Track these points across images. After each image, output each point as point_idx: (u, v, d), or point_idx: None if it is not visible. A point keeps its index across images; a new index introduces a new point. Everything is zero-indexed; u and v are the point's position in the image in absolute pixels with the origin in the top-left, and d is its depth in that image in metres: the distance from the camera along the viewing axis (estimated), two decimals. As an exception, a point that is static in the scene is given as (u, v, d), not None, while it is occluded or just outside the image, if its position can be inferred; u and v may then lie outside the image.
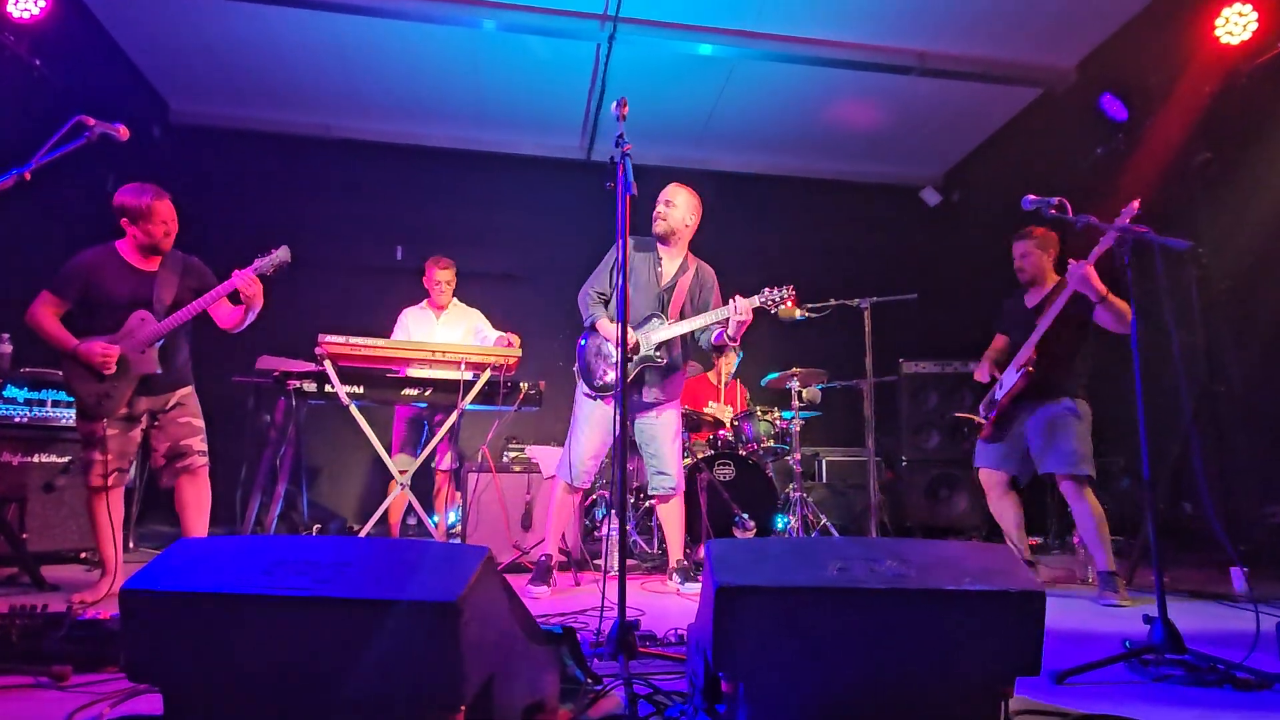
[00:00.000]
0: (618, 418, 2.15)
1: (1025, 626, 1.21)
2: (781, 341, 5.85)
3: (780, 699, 1.23)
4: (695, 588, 3.07)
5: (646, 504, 4.12)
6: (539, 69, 5.36)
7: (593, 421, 3.16)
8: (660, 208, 3.21)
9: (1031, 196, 2.45)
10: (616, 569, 1.92)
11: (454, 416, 3.55)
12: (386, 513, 3.88)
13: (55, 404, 3.53)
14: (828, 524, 4.41)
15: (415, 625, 1.07)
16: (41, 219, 4.25)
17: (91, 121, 2.24)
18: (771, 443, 4.42)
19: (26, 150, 2.17)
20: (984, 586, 1.21)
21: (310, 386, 3.50)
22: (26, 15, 4.05)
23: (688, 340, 3.25)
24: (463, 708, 1.07)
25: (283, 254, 2.99)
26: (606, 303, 3.22)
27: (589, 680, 1.62)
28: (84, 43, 4.76)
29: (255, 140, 6.07)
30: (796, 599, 1.20)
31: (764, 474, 4.20)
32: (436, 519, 4.01)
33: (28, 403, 3.46)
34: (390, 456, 3.60)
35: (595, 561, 3.97)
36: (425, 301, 4.37)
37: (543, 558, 3.17)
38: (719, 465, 4.13)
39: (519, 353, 3.61)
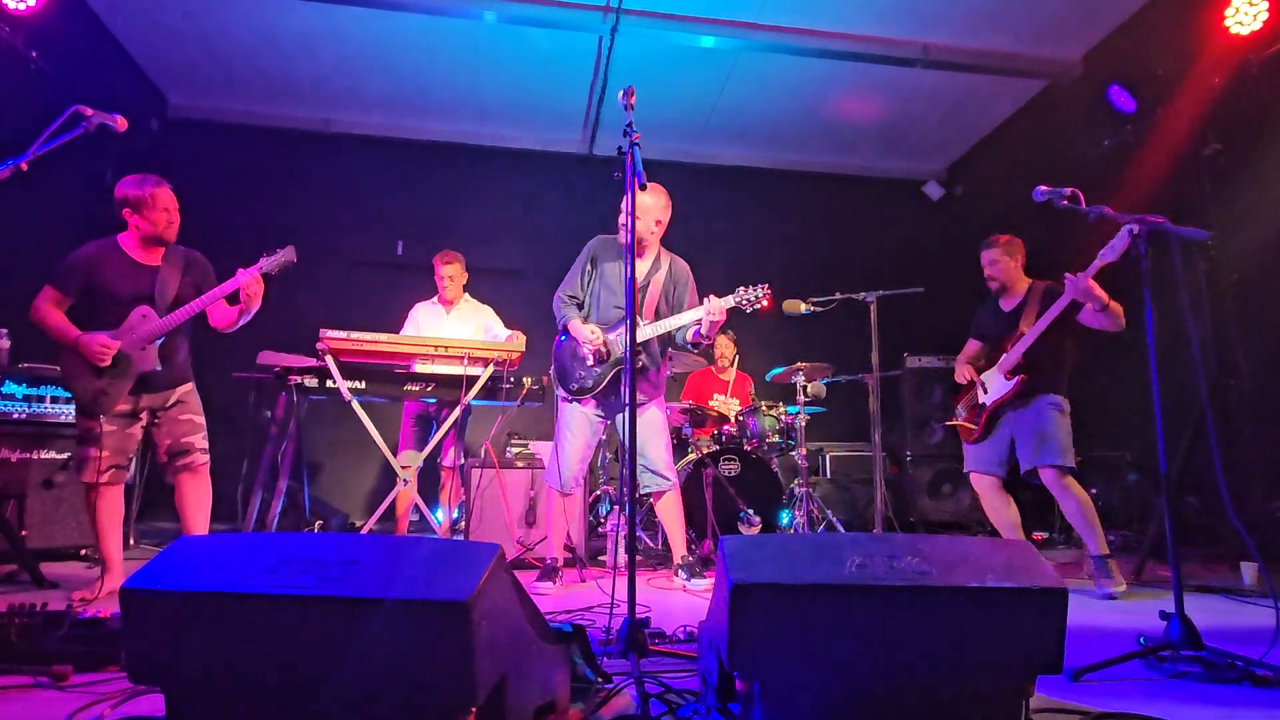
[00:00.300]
0: (627, 416, 2.12)
1: (1048, 624, 1.18)
2: (786, 336, 5.83)
3: (796, 698, 1.20)
4: (701, 584, 3.05)
5: (648, 500, 4.10)
6: (540, 62, 5.32)
7: (575, 426, 3.14)
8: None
9: (1043, 187, 2.43)
10: (624, 565, 1.90)
11: (457, 412, 3.53)
12: (394, 508, 3.86)
13: (54, 400, 3.50)
14: (833, 519, 4.39)
15: (425, 625, 1.04)
16: (40, 216, 4.22)
17: (89, 111, 2.20)
18: (776, 438, 4.40)
19: (23, 145, 2.12)
20: (1007, 583, 1.18)
21: (311, 382, 3.47)
22: (23, 7, 4.01)
23: (665, 338, 3.21)
24: (474, 709, 1.04)
25: (288, 254, 2.94)
26: (580, 305, 3.21)
27: (600, 679, 1.60)
28: (81, 36, 4.72)
29: (254, 134, 6.03)
30: (815, 596, 1.18)
31: (769, 469, 4.19)
32: (441, 515, 3.99)
33: (26, 399, 3.43)
34: (396, 453, 3.57)
35: (600, 557, 3.96)
36: (436, 297, 4.34)
37: (549, 559, 3.16)
38: (724, 460, 4.12)
39: (522, 348, 3.59)
